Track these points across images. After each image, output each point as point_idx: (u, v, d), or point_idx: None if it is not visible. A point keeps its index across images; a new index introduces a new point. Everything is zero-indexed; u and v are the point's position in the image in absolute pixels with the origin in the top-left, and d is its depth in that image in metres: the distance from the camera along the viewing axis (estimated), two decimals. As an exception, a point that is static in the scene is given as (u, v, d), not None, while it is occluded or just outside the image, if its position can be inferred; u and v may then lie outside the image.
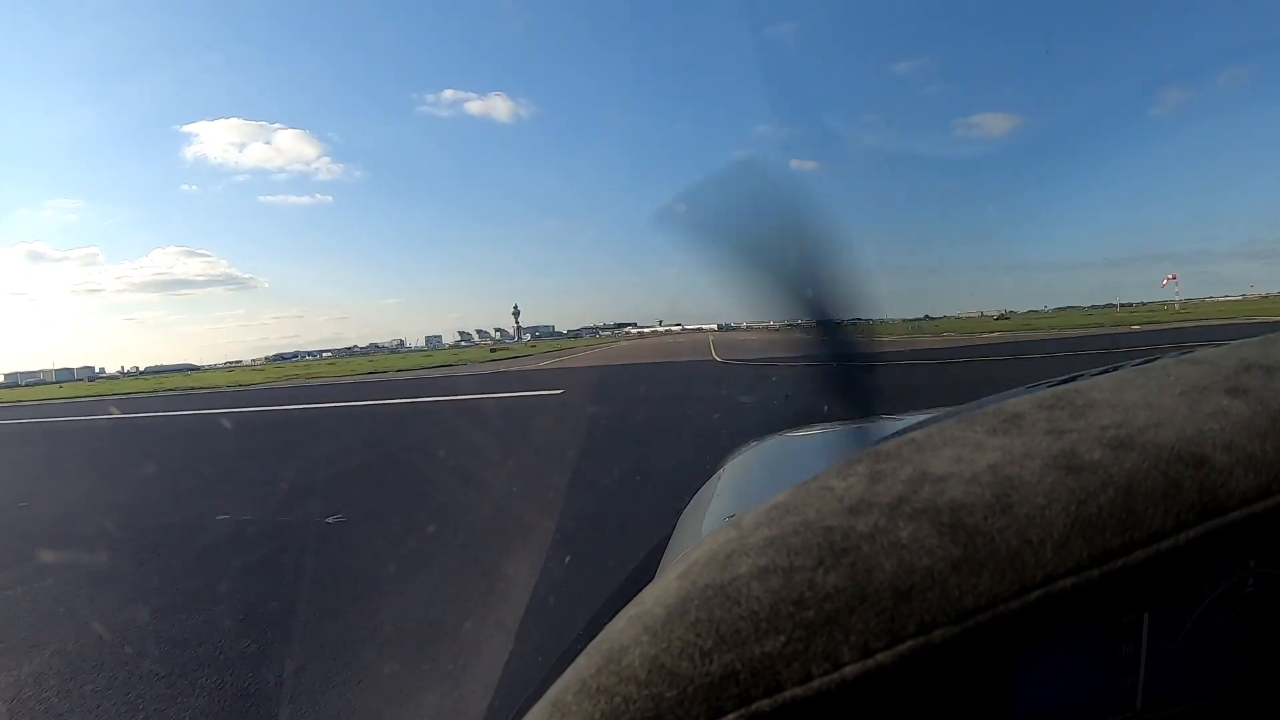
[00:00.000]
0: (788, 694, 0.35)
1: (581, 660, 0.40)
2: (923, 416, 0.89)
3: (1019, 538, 0.36)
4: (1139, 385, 0.47)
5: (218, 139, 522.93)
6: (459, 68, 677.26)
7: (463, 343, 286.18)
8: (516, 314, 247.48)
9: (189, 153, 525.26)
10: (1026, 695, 0.48)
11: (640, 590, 0.44)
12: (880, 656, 0.34)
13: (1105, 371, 0.54)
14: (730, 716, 0.34)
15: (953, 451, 0.43)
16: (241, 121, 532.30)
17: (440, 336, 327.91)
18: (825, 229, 0.97)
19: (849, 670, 0.34)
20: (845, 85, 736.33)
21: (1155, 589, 0.39)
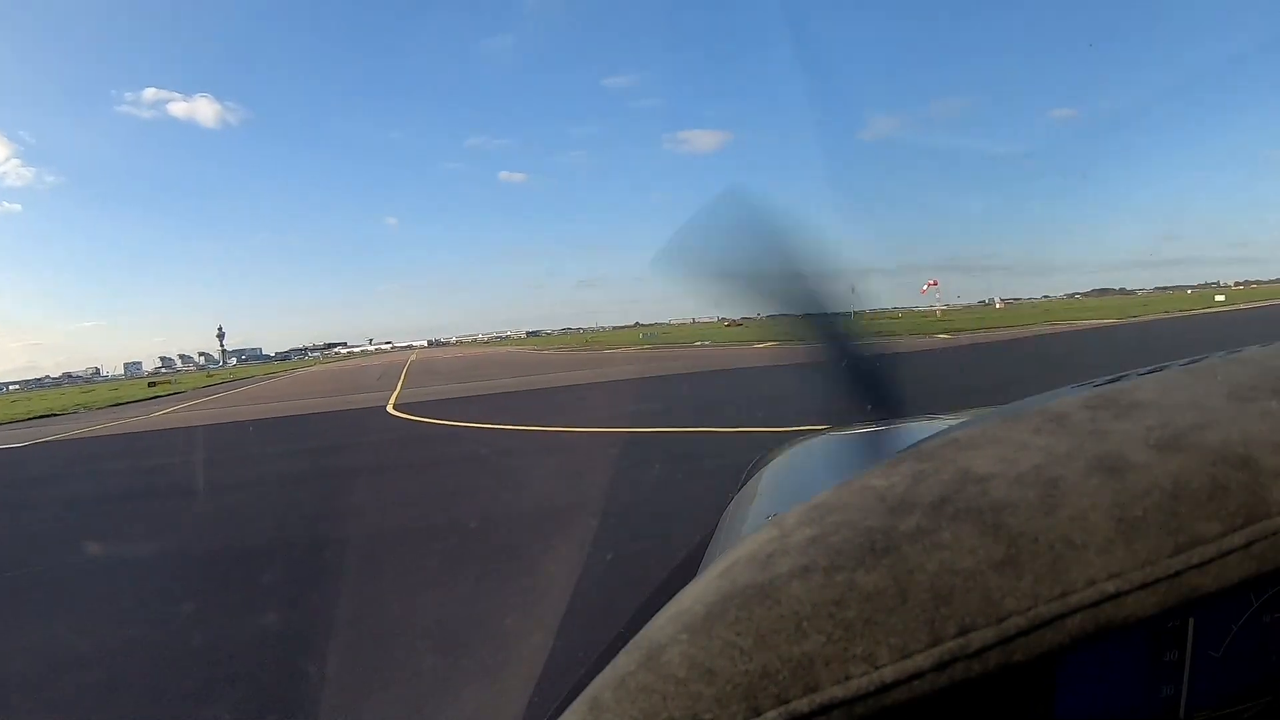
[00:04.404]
0: (826, 694, 0.34)
1: (620, 658, 0.39)
2: (966, 416, 0.86)
3: (1062, 540, 0.35)
4: (1185, 386, 0.45)
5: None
6: (162, 64, 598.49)
7: (163, 369, 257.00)
8: (221, 336, 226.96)
9: None
10: (1067, 700, 0.48)
11: (681, 589, 0.43)
12: (919, 658, 0.34)
13: (1151, 371, 0.52)
14: (768, 715, 0.34)
15: (996, 452, 0.42)
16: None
17: (140, 363, 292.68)
18: (805, 239, 0.99)
19: (887, 671, 0.34)
20: (559, 97, 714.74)
21: (1200, 594, 0.37)
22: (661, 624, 0.39)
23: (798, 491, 1.18)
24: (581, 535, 5.27)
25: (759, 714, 0.34)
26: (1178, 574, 0.34)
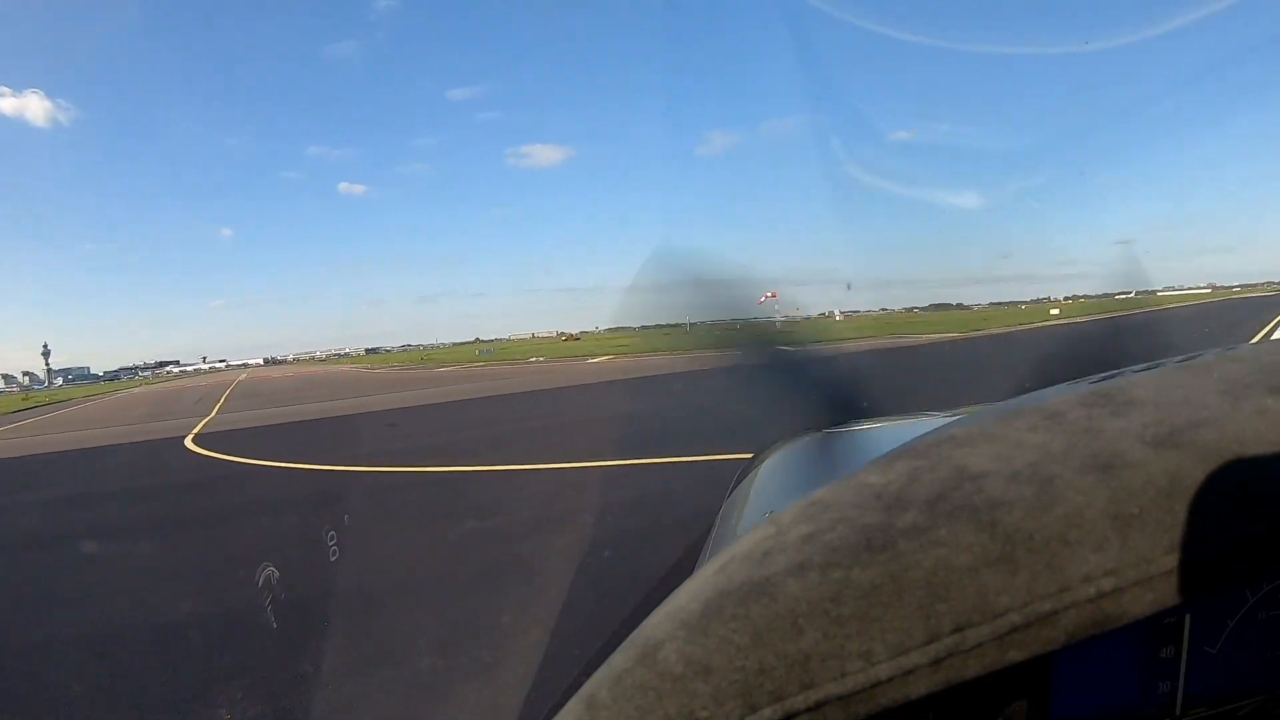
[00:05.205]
0: (822, 691, 0.35)
1: (616, 655, 0.40)
2: (961, 414, 0.86)
3: (1058, 537, 0.36)
4: (1180, 383, 0.45)
5: None
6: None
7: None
8: (46, 355, 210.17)
9: None
10: (1064, 695, 0.48)
11: (677, 586, 0.44)
12: (915, 655, 0.34)
13: (1147, 368, 0.52)
14: (765, 712, 0.35)
15: (992, 449, 0.43)
16: None
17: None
18: (726, 266, 1.10)
19: (883, 668, 0.34)
20: (402, 107, 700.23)
21: (1196, 591, 0.37)
22: (658, 621, 0.40)
23: (794, 489, 1.19)
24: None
25: (755, 711, 0.34)
26: (1173, 571, 0.35)
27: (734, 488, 1.33)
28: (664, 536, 4.93)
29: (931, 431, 0.49)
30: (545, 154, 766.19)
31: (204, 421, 21.16)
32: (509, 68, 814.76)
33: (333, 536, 6.15)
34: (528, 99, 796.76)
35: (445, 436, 12.96)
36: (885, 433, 1.40)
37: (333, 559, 5.59)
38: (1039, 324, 42.14)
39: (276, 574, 5.26)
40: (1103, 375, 0.56)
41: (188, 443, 15.64)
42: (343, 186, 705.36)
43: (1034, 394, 0.57)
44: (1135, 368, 0.54)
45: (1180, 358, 0.54)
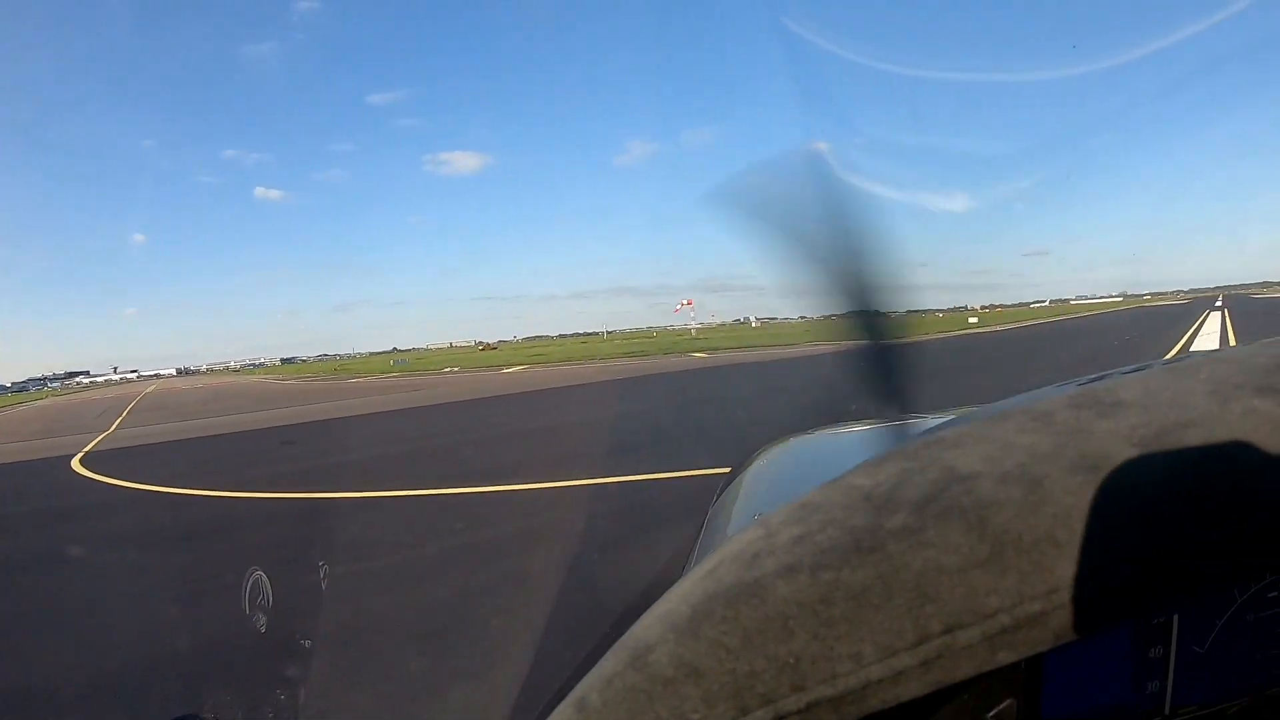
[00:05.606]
0: (813, 693, 0.35)
1: (606, 658, 0.40)
2: (950, 415, 0.86)
3: (1046, 538, 0.36)
4: (1168, 384, 0.46)
5: None
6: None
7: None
8: None
9: None
10: (1054, 695, 0.48)
11: (667, 589, 0.44)
12: (905, 656, 0.35)
13: (1135, 370, 0.53)
14: (756, 714, 0.35)
15: (981, 451, 0.43)
16: None
17: None
18: (869, 223, 0.97)
19: (873, 670, 0.35)
20: (320, 112, 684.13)
21: (1184, 591, 0.38)
22: (648, 624, 0.39)
23: (783, 491, 1.19)
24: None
25: (746, 713, 0.34)
26: (1161, 572, 0.35)
27: (722, 491, 1.33)
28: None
29: (921, 433, 0.49)
30: (464, 161, 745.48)
31: (99, 438, 20.36)
32: (429, 73, 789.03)
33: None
34: (448, 105, 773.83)
35: (334, 457, 12.34)
36: (875, 434, 1.41)
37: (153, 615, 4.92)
38: (962, 332, 42.76)
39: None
40: (1091, 377, 0.56)
41: (75, 463, 14.75)
42: (259, 191, 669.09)
43: (1023, 395, 0.57)
44: (1123, 369, 0.55)
45: (1168, 359, 0.55)
